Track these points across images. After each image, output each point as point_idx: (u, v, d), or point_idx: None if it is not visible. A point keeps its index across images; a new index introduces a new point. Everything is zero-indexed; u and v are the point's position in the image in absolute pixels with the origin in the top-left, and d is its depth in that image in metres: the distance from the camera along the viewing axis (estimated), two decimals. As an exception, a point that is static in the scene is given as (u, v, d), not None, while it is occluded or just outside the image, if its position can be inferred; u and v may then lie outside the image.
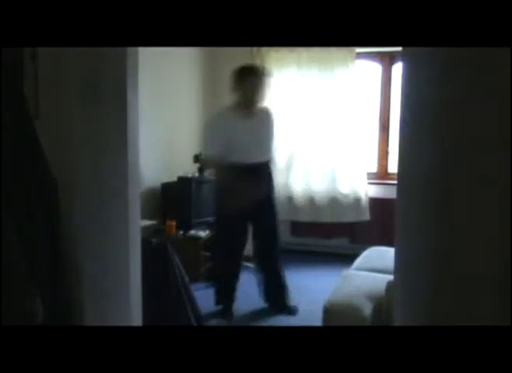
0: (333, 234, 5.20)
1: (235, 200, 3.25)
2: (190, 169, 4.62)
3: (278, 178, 5.29)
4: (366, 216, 5.00)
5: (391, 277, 2.05)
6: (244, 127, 3.40)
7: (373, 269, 3.06)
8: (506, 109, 1.30)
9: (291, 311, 3.67)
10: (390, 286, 2.23)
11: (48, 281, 2.04)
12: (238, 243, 3.58)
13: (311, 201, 5.16)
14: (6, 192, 1.88)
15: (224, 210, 3.43)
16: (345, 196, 5.07)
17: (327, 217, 5.11)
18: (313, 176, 5.13)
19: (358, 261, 3.40)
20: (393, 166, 5.08)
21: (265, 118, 3.57)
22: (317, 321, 2.56)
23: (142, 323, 2.33)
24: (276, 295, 3.72)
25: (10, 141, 1.91)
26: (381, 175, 5.19)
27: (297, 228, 5.32)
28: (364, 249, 3.69)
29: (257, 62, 5.19)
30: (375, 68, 5.16)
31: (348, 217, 5.06)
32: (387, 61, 5.08)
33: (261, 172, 3.50)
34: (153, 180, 4.26)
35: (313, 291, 3.98)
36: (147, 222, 3.34)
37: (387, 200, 4.81)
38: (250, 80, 3.38)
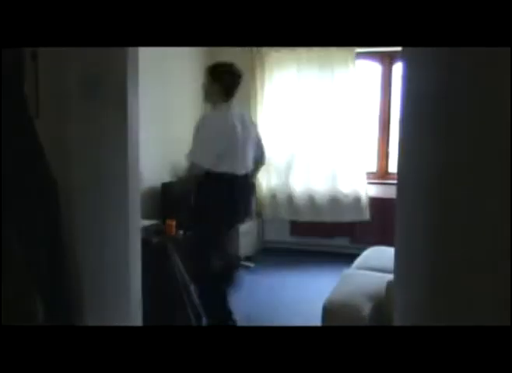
0: (333, 234, 5.20)
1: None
2: (190, 169, 4.62)
3: (279, 178, 5.30)
4: (366, 216, 5.00)
5: (391, 277, 2.05)
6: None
7: (373, 268, 3.06)
8: (507, 108, 1.30)
9: None
10: (390, 286, 2.24)
11: (48, 281, 2.04)
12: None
13: (311, 201, 5.16)
14: (6, 192, 1.88)
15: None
16: (345, 196, 5.06)
17: (328, 217, 5.11)
18: (313, 175, 5.13)
19: (358, 260, 3.40)
20: (393, 166, 5.08)
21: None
22: (316, 321, 2.56)
23: (142, 323, 2.33)
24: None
25: (10, 141, 1.91)
26: (381, 175, 5.19)
27: (297, 228, 5.32)
28: (364, 248, 3.69)
29: (257, 62, 5.20)
30: (375, 68, 5.16)
31: (349, 217, 5.05)
32: (387, 60, 5.08)
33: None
34: (153, 180, 4.26)
35: (313, 291, 3.98)
36: (147, 222, 3.34)
37: (387, 200, 4.80)
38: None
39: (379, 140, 5.18)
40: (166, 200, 4.36)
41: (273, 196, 5.32)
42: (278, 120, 5.23)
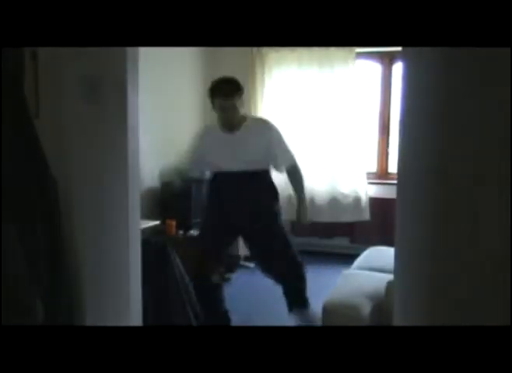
0: (333, 234, 5.20)
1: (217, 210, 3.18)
2: (190, 169, 4.61)
3: (278, 178, 5.29)
4: (366, 216, 5.00)
5: (391, 277, 2.05)
6: (227, 140, 3.17)
7: (373, 268, 3.06)
8: (506, 108, 1.30)
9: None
10: (390, 286, 2.24)
11: (48, 281, 2.04)
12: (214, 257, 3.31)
13: (311, 201, 5.15)
14: (6, 192, 1.88)
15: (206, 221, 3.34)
16: (345, 196, 5.06)
17: (327, 217, 5.10)
18: (313, 176, 5.13)
19: (358, 261, 3.40)
20: (393, 166, 5.08)
21: (255, 130, 3.26)
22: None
23: (142, 323, 2.33)
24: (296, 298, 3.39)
25: (10, 141, 1.91)
26: (381, 175, 5.19)
27: (297, 228, 5.31)
28: (364, 248, 3.69)
29: (258, 62, 5.19)
30: (375, 68, 5.16)
31: (348, 217, 5.05)
32: (387, 60, 5.08)
33: (248, 181, 3.26)
34: (153, 180, 4.26)
35: (312, 291, 3.97)
36: (147, 222, 3.34)
37: (387, 200, 4.80)
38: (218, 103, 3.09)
39: (379, 140, 5.18)
40: (166, 200, 4.36)
41: (273, 197, 5.30)
42: (278, 120, 5.21)
